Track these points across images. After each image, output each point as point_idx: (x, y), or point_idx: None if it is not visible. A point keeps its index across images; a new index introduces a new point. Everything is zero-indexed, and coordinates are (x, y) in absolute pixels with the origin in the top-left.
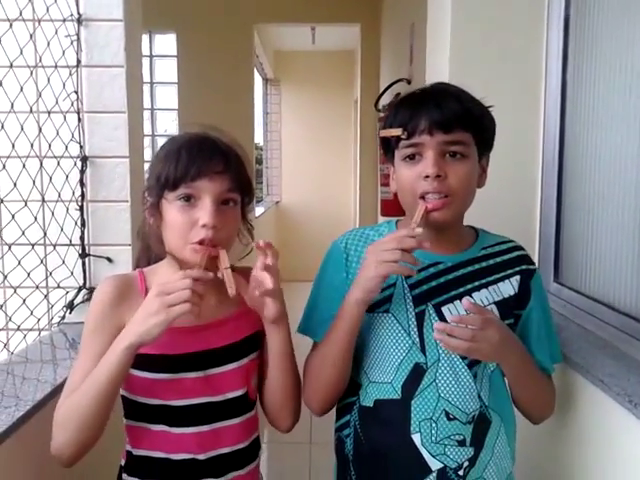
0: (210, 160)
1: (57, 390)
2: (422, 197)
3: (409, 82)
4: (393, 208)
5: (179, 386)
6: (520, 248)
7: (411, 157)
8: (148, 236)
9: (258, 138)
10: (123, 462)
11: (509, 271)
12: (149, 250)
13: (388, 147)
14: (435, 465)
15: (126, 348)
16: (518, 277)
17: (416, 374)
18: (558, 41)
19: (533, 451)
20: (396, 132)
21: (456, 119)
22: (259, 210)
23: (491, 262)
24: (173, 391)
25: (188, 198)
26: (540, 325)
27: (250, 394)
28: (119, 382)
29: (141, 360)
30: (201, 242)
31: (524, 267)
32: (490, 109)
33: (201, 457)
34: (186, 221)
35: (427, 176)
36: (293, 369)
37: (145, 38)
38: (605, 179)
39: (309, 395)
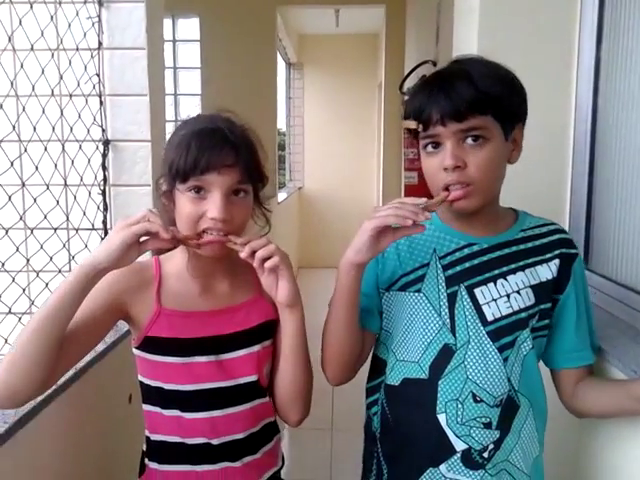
0: (220, 153)
1: (78, 374)
2: (446, 188)
3: (435, 64)
4: (417, 193)
5: (192, 370)
6: (562, 231)
7: (433, 146)
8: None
9: (281, 123)
10: (145, 447)
11: (548, 255)
12: None
13: (414, 136)
14: (460, 446)
15: (82, 266)
16: (557, 261)
17: (445, 355)
18: (593, 16)
19: (562, 439)
20: (413, 124)
21: (468, 106)
22: (282, 196)
23: (529, 245)
24: (186, 375)
25: (198, 190)
26: (579, 311)
27: (261, 381)
28: (68, 307)
29: (155, 344)
30: (204, 231)
31: (564, 251)
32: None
33: (215, 442)
34: (195, 212)
35: (446, 168)
36: (305, 362)
37: (168, 23)
38: (638, 161)
39: (325, 362)
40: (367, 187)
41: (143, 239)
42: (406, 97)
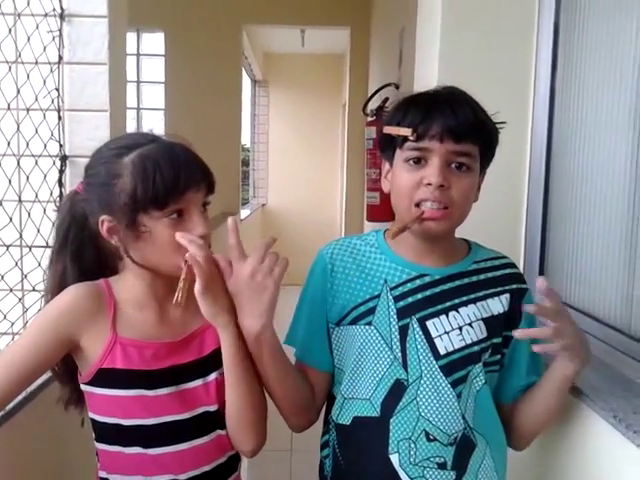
0: (194, 169)
1: (34, 393)
2: (417, 204)
3: (397, 87)
4: (379, 213)
5: (152, 403)
6: (513, 265)
7: (416, 161)
8: (102, 251)
9: (245, 139)
10: None
11: (499, 288)
12: (79, 261)
13: (388, 144)
14: None
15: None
16: (508, 295)
17: (396, 391)
18: (548, 49)
19: (524, 474)
20: (405, 132)
21: (469, 129)
22: (245, 212)
23: (482, 277)
24: (146, 409)
25: (180, 213)
26: (530, 347)
27: (222, 411)
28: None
29: (110, 376)
30: (186, 262)
31: (514, 286)
32: (499, 126)
33: (181, 477)
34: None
35: (429, 184)
36: (249, 388)
37: (133, 36)
38: (592, 189)
39: (280, 412)
40: (330, 205)
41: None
42: (369, 118)
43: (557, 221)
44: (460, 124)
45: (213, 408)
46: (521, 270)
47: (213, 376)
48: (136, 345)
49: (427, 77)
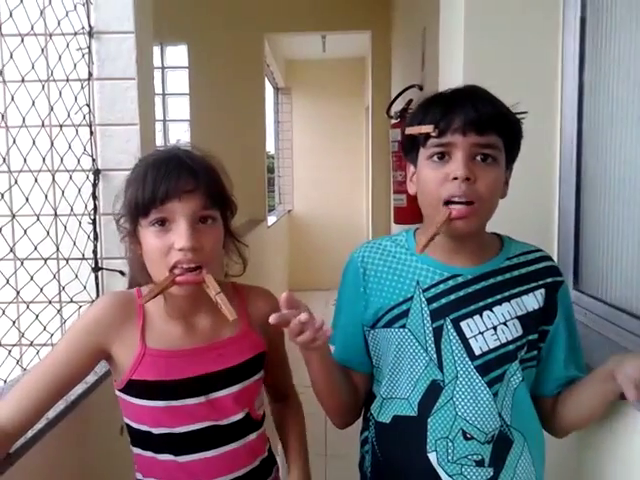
0: (178, 179)
1: (70, 407)
2: (446, 203)
3: (421, 88)
4: (406, 216)
5: (181, 412)
6: (548, 258)
7: (440, 157)
8: (131, 264)
9: (270, 147)
10: None
11: (534, 284)
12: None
13: (411, 146)
14: None
15: None
16: (543, 290)
17: (433, 391)
18: (574, 43)
19: (563, 467)
20: (427, 129)
21: (491, 121)
22: (271, 219)
23: (515, 274)
24: (175, 418)
25: (162, 222)
26: (568, 340)
27: (253, 414)
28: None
29: (140, 387)
30: (174, 266)
31: (549, 280)
32: (520, 116)
33: None
34: (162, 246)
35: (455, 178)
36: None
37: (156, 50)
38: (625, 182)
39: (326, 413)
40: (356, 209)
41: None
42: (393, 121)
43: (590, 217)
44: (481, 115)
45: (242, 415)
46: None
47: (247, 383)
48: (165, 356)
49: (452, 77)
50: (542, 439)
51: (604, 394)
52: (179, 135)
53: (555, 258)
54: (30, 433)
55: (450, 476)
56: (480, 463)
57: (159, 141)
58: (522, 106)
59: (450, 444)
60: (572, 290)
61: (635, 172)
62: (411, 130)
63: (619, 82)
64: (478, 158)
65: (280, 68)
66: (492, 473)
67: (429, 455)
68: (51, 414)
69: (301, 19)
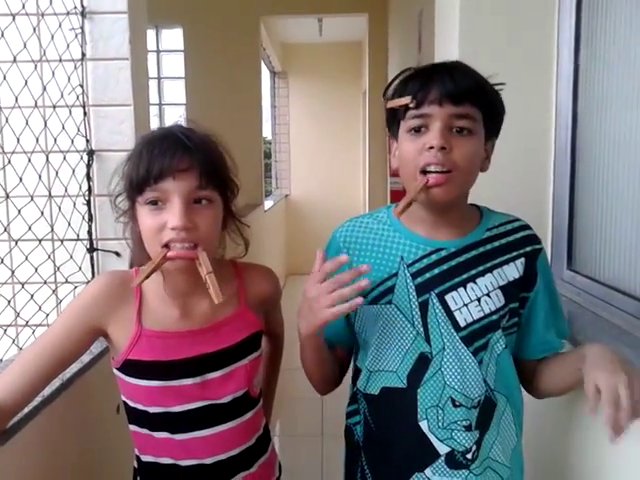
0: (172, 157)
1: (66, 384)
2: (423, 172)
3: None
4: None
5: (177, 392)
6: (526, 227)
7: (417, 130)
8: (132, 243)
9: (266, 132)
10: (135, 464)
11: (514, 253)
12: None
13: (393, 120)
14: (443, 449)
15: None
16: (523, 259)
17: (421, 363)
18: (570, 23)
19: (539, 423)
20: (405, 101)
21: (468, 92)
22: (268, 204)
23: (496, 244)
24: (172, 397)
25: (156, 201)
26: (547, 305)
27: (251, 392)
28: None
29: (136, 367)
30: (167, 244)
31: (529, 249)
32: (501, 91)
33: (208, 461)
34: (156, 224)
35: (431, 147)
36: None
37: (152, 33)
38: (619, 163)
39: (310, 381)
40: (354, 193)
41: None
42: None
43: (584, 197)
44: (458, 87)
45: (240, 393)
46: (549, 246)
47: (245, 362)
48: (161, 336)
49: (448, 58)
50: (521, 400)
51: (578, 378)
52: (175, 119)
53: (549, 238)
54: (26, 410)
55: (441, 441)
56: (468, 428)
57: (154, 124)
58: (518, 87)
59: (440, 412)
60: (566, 270)
61: (630, 152)
62: (391, 103)
63: (615, 62)
64: (455, 130)
65: (277, 52)
66: (478, 435)
67: (420, 423)
68: (47, 391)
69: (297, 2)
